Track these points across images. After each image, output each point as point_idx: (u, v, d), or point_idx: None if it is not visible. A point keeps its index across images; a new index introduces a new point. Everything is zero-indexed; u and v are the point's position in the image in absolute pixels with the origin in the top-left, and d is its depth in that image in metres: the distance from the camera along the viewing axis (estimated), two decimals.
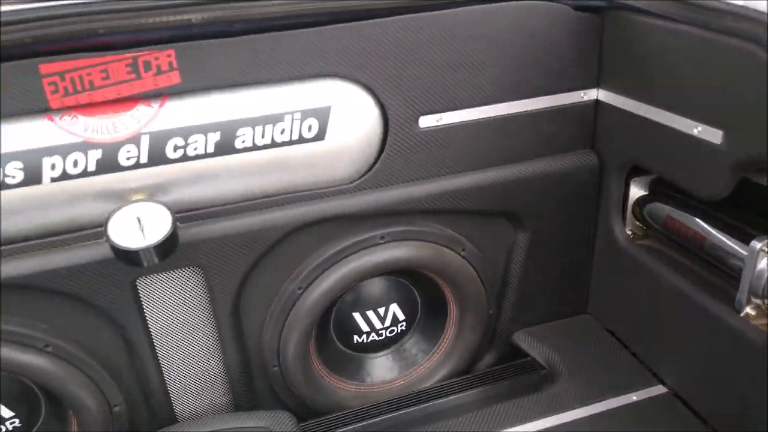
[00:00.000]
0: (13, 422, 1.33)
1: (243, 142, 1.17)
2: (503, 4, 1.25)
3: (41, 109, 1.06)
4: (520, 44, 1.30)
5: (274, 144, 1.19)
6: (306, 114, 1.20)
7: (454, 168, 1.36)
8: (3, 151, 1.06)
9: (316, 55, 1.18)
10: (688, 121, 1.15)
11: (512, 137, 1.38)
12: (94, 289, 1.20)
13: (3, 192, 1.07)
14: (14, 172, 1.06)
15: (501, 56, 1.29)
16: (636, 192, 1.48)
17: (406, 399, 1.50)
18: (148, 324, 1.30)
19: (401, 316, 1.55)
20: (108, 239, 1.09)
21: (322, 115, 1.21)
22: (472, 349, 1.59)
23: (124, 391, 1.34)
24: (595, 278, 1.62)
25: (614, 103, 1.37)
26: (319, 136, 1.22)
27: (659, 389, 1.40)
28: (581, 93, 1.40)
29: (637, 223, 1.50)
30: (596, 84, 1.40)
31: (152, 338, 1.32)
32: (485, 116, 1.34)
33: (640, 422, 1.32)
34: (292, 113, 1.19)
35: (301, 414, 1.48)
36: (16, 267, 1.13)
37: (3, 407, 1.30)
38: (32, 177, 1.08)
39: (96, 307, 1.23)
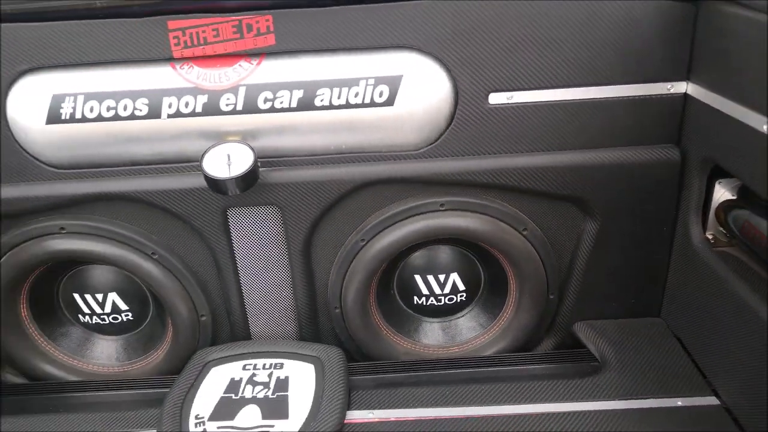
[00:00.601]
0: (127, 315, 1.65)
1: (321, 101, 1.34)
2: None
3: (166, 57, 1.32)
4: (605, 28, 1.31)
5: (348, 105, 1.35)
6: (379, 80, 1.34)
7: (521, 146, 1.42)
8: (135, 89, 1.33)
9: (395, 27, 1.31)
10: None
11: (587, 123, 1.39)
12: (193, 211, 1.45)
13: (131, 122, 1.35)
14: (141, 106, 1.34)
15: (582, 39, 1.32)
16: (722, 194, 1.41)
17: (453, 362, 1.58)
18: (234, 249, 1.53)
19: (461, 287, 1.63)
20: (202, 169, 1.33)
21: (394, 83, 1.34)
22: (529, 331, 1.62)
23: (210, 304, 1.59)
24: (670, 281, 1.56)
25: (703, 99, 1.33)
26: (389, 102, 1.35)
27: (710, 400, 1.34)
28: (668, 85, 1.37)
29: (721, 228, 1.43)
30: (686, 77, 1.36)
31: (236, 262, 1.55)
32: (559, 99, 1.37)
33: (678, 426, 1.28)
34: (366, 79, 1.34)
35: (356, 358, 1.64)
36: (138, 184, 1.42)
37: (121, 300, 1.62)
38: (154, 112, 1.34)
39: (194, 228, 1.48)
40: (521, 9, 1.29)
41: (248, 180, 1.33)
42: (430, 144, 1.42)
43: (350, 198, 1.47)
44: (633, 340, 1.54)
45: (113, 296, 1.63)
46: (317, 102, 1.35)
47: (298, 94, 1.34)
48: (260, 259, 1.56)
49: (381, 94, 1.35)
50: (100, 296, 1.62)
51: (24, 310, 1.60)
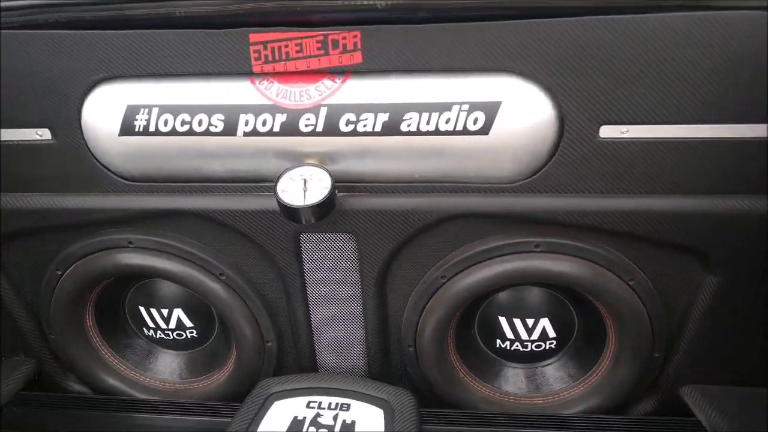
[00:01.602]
0: (192, 332, 1.59)
1: (408, 125, 1.21)
2: (711, 13, 1.08)
3: (245, 72, 1.22)
4: (733, 59, 1.11)
5: (437, 132, 1.21)
6: (474, 106, 1.19)
7: (633, 187, 1.23)
8: (211, 103, 1.25)
9: (495, 49, 1.16)
10: None
11: (713, 165, 1.19)
12: (265, 234, 1.36)
13: (205, 138, 1.26)
14: (217, 122, 1.25)
15: (707, 71, 1.12)
16: None
17: (539, 419, 1.42)
18: (305, 275, 1.43)
19: (552, 333, 1.47)
20: (275, 194, 1.23)
21: (490, 110, 1.19)
22: (627, 390, 1.44)
23: (277, 330, 1.50)
24: None
25: None
26: (484, 130, 1.20)
27: None
28: None
29: None
30: None
31: (306, 289, 1.45)
32: (681, 136, 1.18)
33: None
34: (459, 104, 1.19)
35: (429, 401, 1.50)
36: (209, 202, 1.34)
37: (186, 317, 1.56)
38: (230, 129, 1.25)
39: (265, 251, 1.39)
40: (639, 35, 1.11)
41: (324, 209, 1.22)
42: (528, 177, 1.26)
43: (433, 230, 1.33)
44: (752, 413, 1.32)
45: (178, 312, 1.57)
46: (403, 127, 1.21)
47: (383, 117, 1.21)
48: (331, 288, 1.45)
49: (475, 122, 1.20)
50: (165, 311, 1.57)
51: (89, 320, 1.57)
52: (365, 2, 1.12)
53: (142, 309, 1.58)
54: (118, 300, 1.59)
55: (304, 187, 1.23)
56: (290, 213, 1.23)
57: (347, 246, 1.38)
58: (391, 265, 1.39)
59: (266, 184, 1.32)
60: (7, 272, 1.51)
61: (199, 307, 1.57)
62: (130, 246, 1.41)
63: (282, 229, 1.35)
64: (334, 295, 1.46)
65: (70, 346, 1.56)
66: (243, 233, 1.37)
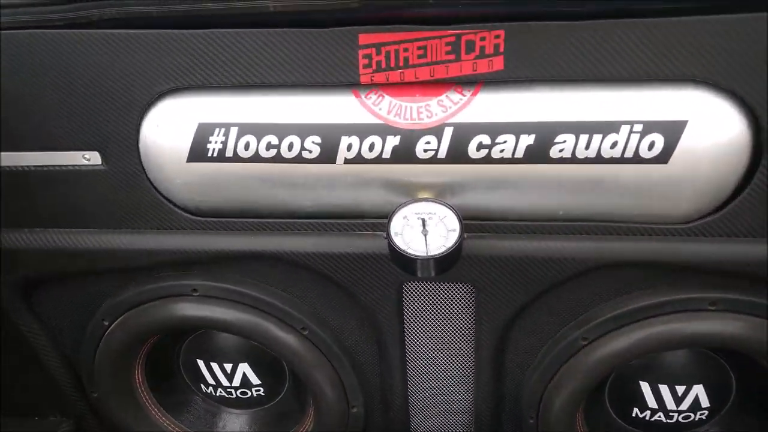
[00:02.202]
0: (258, 390, 1.33)
1: (560, 151, 0.94)
2: None
3: (350, 82, 0.96)
4: None
5: (599, 159, 0.94)
6: (650, 126, 0.92)
7: None
8: (305, 122, 0.99)
9: (680, 51, 0.89)
10: None
11: None
12: (360, 282, 1.10)
13: (296, 165, 1.00)
14: (312, 146, 0.99)
15: None
16: None
17: None
18: (404, 331, 1.17)
19: (705, 403, 1.19)
20: (388, 237, 0.96)
21: (672, 132, 0.91)
22: None
23: (365, 393, 1.24)
24: None
25: None
26: (662, 158, 0.93)
27: None
28: None
29: None
30: None
31: (405, 347, 1.19)
32: None
33: None
34: (631, 123, 0.92)
35: None
36: (295, 242, 1.08)
37: (253, 374, 1.30)
38: (328, 154, 0.99)
39: (358, 302, 1.13)
40: None
41: (449, 261, 0.96)
42: (704, 216, 0.98)
43: (575, 281, 1.06)
44: None
45: (244, 368, 1.31)
46: (554, 152, 0.94)
47: (528, 140, 0.95)
48: (437, 347, 1.19)
49: (651, 147, 0.92)
50: (228, 366, 1.31)
51: (139, 377, 1.31)
52: None
53: (200, 363, 1.32)
54: (172, 352, 1.34)
55: (423, 230, 0.97)
56: (405, 263, 0.97)
57: (462, 298, 1.12)
58: (517, 321, 1.12)
59: (367, 221, 1.06)
60: (43, 320, 1.26)
61: (268, 361, 1.30)
62: (194, 294, 1.16)
63: (383, 276, 1.09)
64: (439, 355, 1.19)
65: (115, 406, 1.31)
66: (332, 280, 1.11)
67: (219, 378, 1.32)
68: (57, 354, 1.30)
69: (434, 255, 0.93)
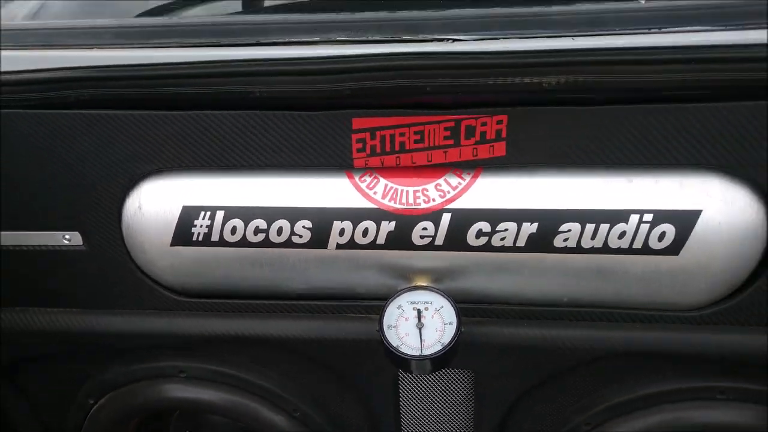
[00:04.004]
0: None
1: (565, 240, 0.89)
2: None
3: (343, 165, 0.91)
4: None
5: (606, 249, 0.89)
6: (661, 216, 0.87)
7: None
8: (294, 205, 0.93)
9: (691, 138, 0.84)
10: None
11: None
12: (353, 366, 1.04)
13: (285, 250, 0.95)
14: (302, 231, 0.94)
15: None
16: None
17: None
18: (400, 420, 1.11)
19: None
20: (380, 331, 0.91)
21: (685, 222, 0.86)
22: None
23: None
24: None
25: None
26: (672, 249, 0.87)
27: None
28: None
29: None
30: None
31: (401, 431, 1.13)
32: None
33: None
34: (640, 212, 0.87)
35: None
36: (286, 326, 1.02)
37: None
38: (319, 240, 0.94)
39: (350, 387, 1.08)
40: None
41: (445, 359, 0.90)
42: (715, 303, 0.93)
43: (579, 368, 1.00)
44: None
45: None
46: (558, 242, 0.89)
47: (530, 228, 0.89)
48: None
49: (661, 237, 0.87)
50: None
51: None
52: (525, 80, 0.80)
53: None
54: (159, 428, 1.28)
55: (418, 323, 0.91)
56: (398, 362, 0.91)
57: (461, 384, 1.07)
58: (518, 406, 1.06)
59: (360, 302, 1.01)
60: (26, 396, 1.20)
61: None
62: (182, 376, 1.10)
63: (377, 363, 1.03)
64: None
65: None
66: (326, 364, 1.05)
67: None
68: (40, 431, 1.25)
69: (430, 355, 0.88)
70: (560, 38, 0.81)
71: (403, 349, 0.89)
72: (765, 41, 0.78)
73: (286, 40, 0.87)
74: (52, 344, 1.09)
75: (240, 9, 1.40)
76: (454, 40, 0.83)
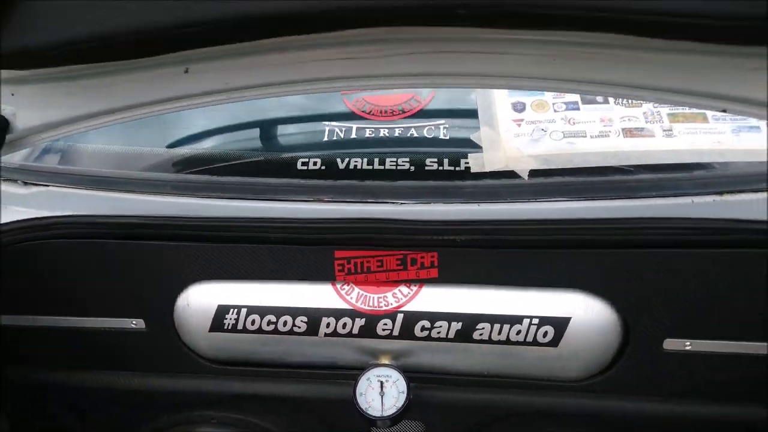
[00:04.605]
0: None
1: (480, 335, 1.29)
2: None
3: (328, 279, 1.32)
4: None
5: (508, 341, 1.29)
6: (544, 321, 1.27)
7: (694, 396, 1.29)
8: (295, 305, 1.35)
9: (567, 271, 1.24)
10: None
11: None
12: (338, 420, 1.44)
13: (289, 336, 1.36)
14: (301, 324, 1.35)
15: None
16: None
17: None
18: None
19: None
20: (354, 398, 1.31)
21: (560, 325, 1.26)
22: None
23: None
24: None
25: None
26: (553, 343, 1.27)
27: None
28: None
29: None
30: None
31: None
32: (743, 352, 1.24)
33: None
34: (530, 318, 1.27)
35: None
36: (290, 389, 1.43)
37: None
38: (312, 330, 1.35)
39: None
40: (699, 266, 1.19)
41: (399, 417, 1.30)
42: (589, 378, 1.33)
43: (501, 423, 1.40)
44: None
45: None
46: (475, 335, 1.30)
47: (456, 326, 1.30)
48: None
49: (545, 335, 1.27)
50: None
51: None
52: (446, 238, 1.22)
53: None
54: None
55: (381, 392, 1.31)
56: (368, 420, 1.31)
57: None
58: None
59: (340, 372, 1.41)
60: None
61: None
62: (213, 422, 1.51)
63: (353, 419, 1.41)
64: None
65: None
66: (316, 419, 1.45)
67: None
68: None
69: (389, 415, 1.28)
70: (468, 204, 1.23)
71: (370, 411, 1.29)
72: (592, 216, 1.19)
73: (291, 198, 1.29)
74: (111, 399, 1.49)
75: None
76: (402, 203, 1.25)
